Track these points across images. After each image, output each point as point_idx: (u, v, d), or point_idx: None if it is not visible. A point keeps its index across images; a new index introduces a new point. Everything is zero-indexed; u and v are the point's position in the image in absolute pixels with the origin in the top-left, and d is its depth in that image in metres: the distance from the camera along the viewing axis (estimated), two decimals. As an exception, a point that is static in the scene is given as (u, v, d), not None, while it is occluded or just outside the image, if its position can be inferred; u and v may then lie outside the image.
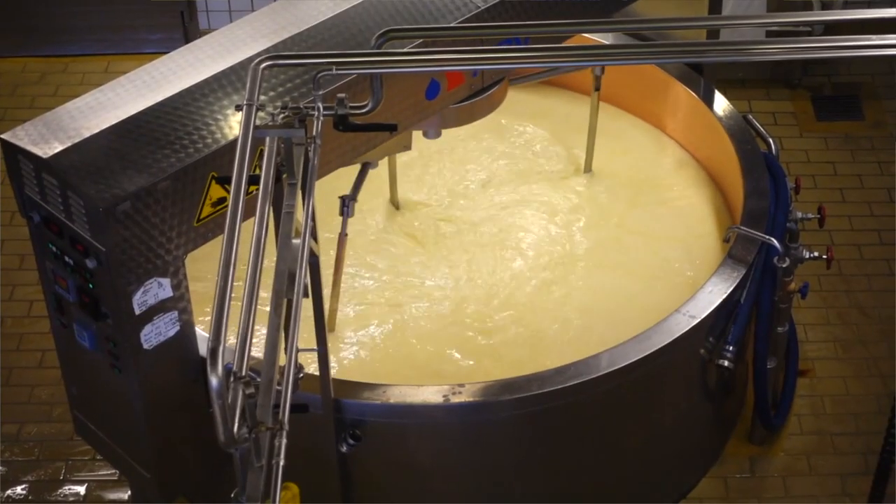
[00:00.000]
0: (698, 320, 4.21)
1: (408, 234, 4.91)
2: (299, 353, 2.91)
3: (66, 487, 4.77)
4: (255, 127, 2.98)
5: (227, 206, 2.81)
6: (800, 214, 4.64)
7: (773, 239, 4.41)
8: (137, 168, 3.53)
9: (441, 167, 5.21)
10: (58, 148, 3.55)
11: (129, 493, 4.65)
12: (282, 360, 2.84)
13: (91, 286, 3.62)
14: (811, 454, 4.85)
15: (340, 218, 4.31)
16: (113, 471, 4.74)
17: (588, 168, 5.06)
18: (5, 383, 5.12)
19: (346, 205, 4.26)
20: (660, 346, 4.13)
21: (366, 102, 3.45)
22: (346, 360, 4.44)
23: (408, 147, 4.34)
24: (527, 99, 5.42)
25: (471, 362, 4.44)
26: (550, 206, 5.03)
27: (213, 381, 2.49)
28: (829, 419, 4.97)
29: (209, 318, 2.63)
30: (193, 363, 3.82)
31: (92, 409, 4.04)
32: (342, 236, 4.32)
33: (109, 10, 6.57)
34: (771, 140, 4.90)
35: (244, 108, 3.00)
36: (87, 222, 3.49)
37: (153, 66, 3.88)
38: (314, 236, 3.28)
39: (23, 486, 4.77)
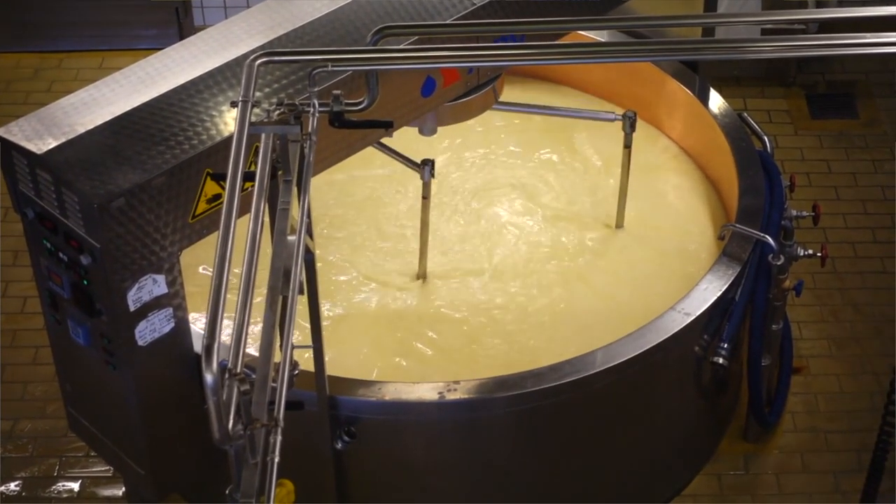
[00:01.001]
0: (693, 318, 4.21)
1: (409, 227, 4.93)
2: (294, 350, 2.91)
3: (60, 484, 4.77)
4: (251, 123, 2.98)
5: (222, 203, 2.81)
6: (794, 212, 4.64)
7: (767, 237, 4.41)
8: (132, 164, 3.52)
9: (442, 162, 5.21)
10: (52, 144, 3.55)
11: (124, 489, 4.65)
12: (277, 356, 2.83)
13: (85, 282, 3.62)
14: (805, 452, 4.85)
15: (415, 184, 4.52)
16: (107, 467, 4.73)
17: (620, 224, 4.86)
18: (-1, 379, 5.12)
19: (431, 168, 4.37)
20: (654, 343, 4.13)
21: (361, 99, 3.45)
22: (340, 356, 4.44)
23: (389, 135, 4.34)
24: (527, 95, 5.42)
25: (465, 358, 4.44)
26: (547, 202, 5.03)
27: (208, 377, 2.49)
28: (822, 417, 4.98)
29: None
30: (188, 360, 3.82)
31: (86, 406, 4.04)
32: (425, 200, 4.47)
33: (104, 6, 6.56)
34: (766, 138, 4.91)
35: (239, 104, 2.99)
36: (82, 218, 3.48)
37: (148, 62, 3.88)
38: (309, 233, 3.28)
39: (16, 483, 4.77)
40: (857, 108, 6.33)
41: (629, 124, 4.67)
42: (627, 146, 4.72)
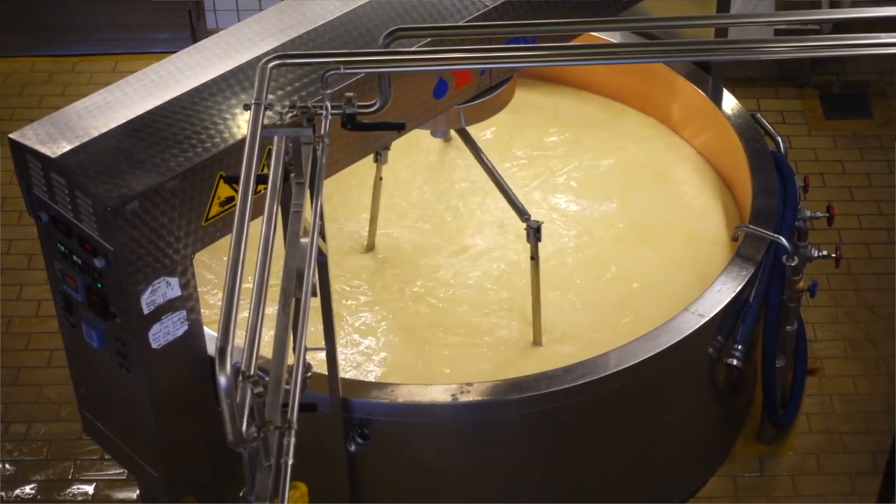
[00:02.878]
0: (707, 319, 4.20)
1: (420, 232, 4.93)
2: (307, 353, 2.91)
3: (75, 487, 4.78)
4: (264, 126, 2.98)
5: (235, 206, 2.81)
6: (808, 213, 4.63)
7: (781, 237, 4.40)
8: (145, 167, 3.53)
9: (450, 167, 5.21)
10: (66, 147, 3.56)
11: (138, 492, 4.66)
12: (290, 359, 2.84)
13: (99, 285, 3.62)
14: (820, 453, 4.84)
15: None
16: (121, 470, 4.74)
17: (538, 341, 4.50)
18: (13, 383, 5.12)
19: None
20: (668, 344, 4.13)
21: (374, 101, 3.45)
22: (355, 358, 4.44)
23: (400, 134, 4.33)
24: (539, 98, 5.42)
25: (479, 358, 4.44)
26: (559, 203, 5.03)
27: (222, 380, 2.49)
28: (838, 418, 4.96)
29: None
30: (202, 362, 3.82)
31: (100, 409, 4.05)
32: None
33: (117, 10, 6.58)
34: (779, 139, 4.89)
35: (252, 107, 3.00)
36: (96, 222, 3.49)
37: (161, 65, 3.89)
38: (322, 235, 3.28)
39: (31, 486, 4.78)
40: (872, 109, 6.31)
41: (533, 234, 4.28)
42: (533, 258, 4.35)
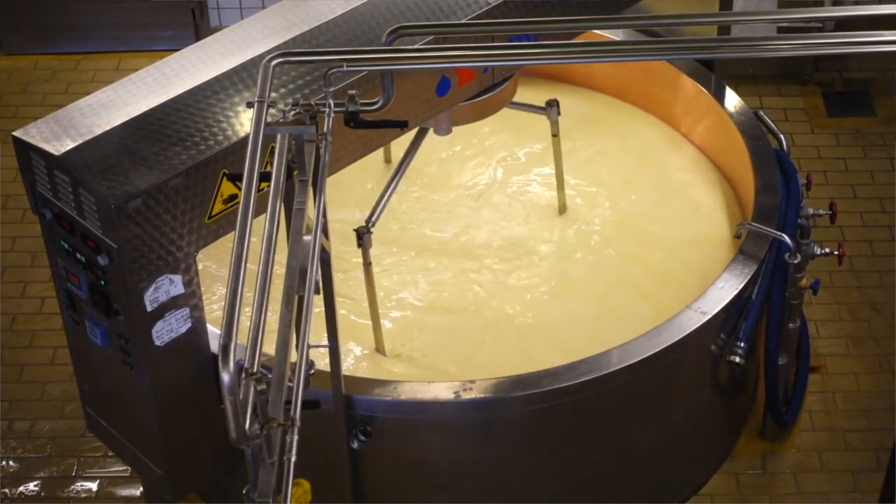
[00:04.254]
0: (709, 316, 4.21)
1: (424, 234, 4.93)
2: (311, 350, 2.91)
3: (79, 484, 4.78)
4: (267, 124, 2.99)
5: (238, 203, 2.82)
6: (811, 210, 4.63)
7: (784, 235, 4.41)
8: (149, 165, 3.54)
9: (453, 165, 5.22)
10: (70, 145, 3.56)
11: (141, 489, 4.67)
12: (293, 356, 2.84)
13: (103, 283, 3.63)
14: (823, 451, 4.84)
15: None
16: (125, 467, 4.75)
17: (563, 209, 4.95)
18: (17, 380, 5.13)
19: (362, 238, 4.23)
20: (671, 342, 4.13)
21: (377, 99, 3.46)
22: (358, 356, 4.45)
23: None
24: (540, 95, 5.42)
25: (481, 358, 4.44)
26: (562, 202, 5.03)
27: (225, 377, 2.50)
28: (840, 415, 4.96)
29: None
30: (205, 360, 3.83)
31: (104, 406, 4.06)
32: (367, 266, 4.29)
33: (121, 8, 6.58)
34: (782, 136, 4.90)
35: (255, 104, 3.00)
36: (99, 219, 3.50)
37: (164, 63, 3.89)
38: (325, 233, 3.28)
39: (35, 483, 4.79)
40: (874, 106, 6.31)
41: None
42: (555, 135, 4.81)
